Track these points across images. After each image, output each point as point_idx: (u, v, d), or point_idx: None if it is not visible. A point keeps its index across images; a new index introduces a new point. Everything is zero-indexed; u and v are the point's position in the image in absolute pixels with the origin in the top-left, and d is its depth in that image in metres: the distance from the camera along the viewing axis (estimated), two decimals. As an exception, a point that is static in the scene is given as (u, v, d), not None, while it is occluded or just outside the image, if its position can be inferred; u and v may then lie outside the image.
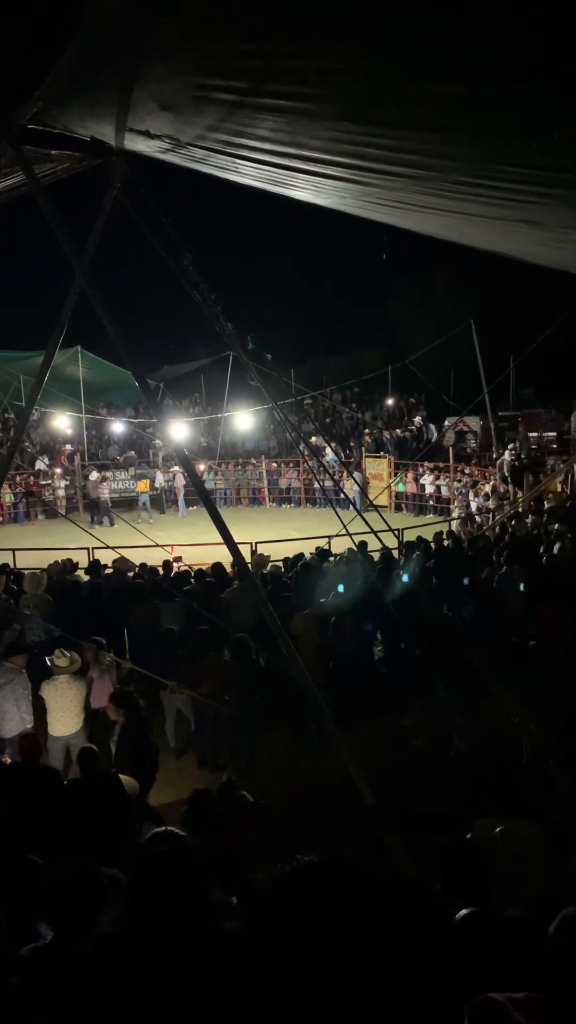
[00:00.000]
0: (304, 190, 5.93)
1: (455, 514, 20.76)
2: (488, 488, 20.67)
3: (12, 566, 12.99)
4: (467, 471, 23.11)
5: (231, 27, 3.31)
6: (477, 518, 19.37)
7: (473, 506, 20.68)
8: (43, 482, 24.74)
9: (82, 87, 4.70)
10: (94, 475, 23.68)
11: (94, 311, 5.95)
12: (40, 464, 25.37)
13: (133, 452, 27.22)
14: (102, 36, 3.75)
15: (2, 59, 4.71)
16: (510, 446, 22.33)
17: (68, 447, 26.41)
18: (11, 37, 4.44)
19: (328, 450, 24.54)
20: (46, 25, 4.06)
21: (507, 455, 21.36)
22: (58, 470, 24.92)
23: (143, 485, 23.87)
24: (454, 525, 18.17)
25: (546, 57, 2.89)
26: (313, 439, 25.09)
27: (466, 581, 11.37)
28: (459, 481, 22.61)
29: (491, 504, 19.72)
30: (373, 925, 1.00)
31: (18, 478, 23.92)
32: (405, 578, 10.79)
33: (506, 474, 20.51)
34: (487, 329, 23.38)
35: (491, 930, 2.51)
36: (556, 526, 13.96)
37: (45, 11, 4.02)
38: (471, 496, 21.36)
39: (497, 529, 15.77)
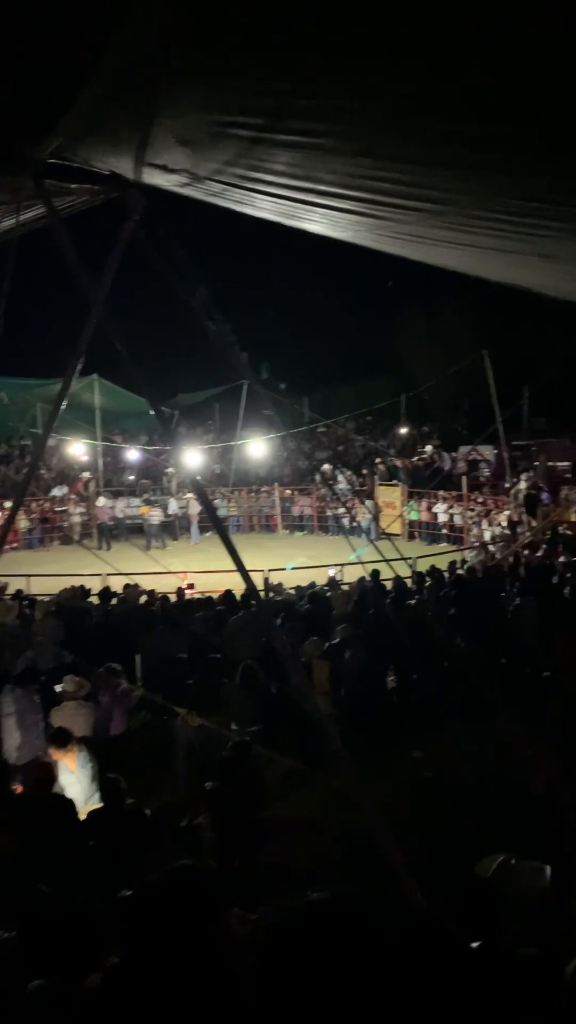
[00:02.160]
0: (319, 223, 6.01)
1: (468, 543, 20.70)
2: (503, 518, 20.63)
3: (26, 592, 13.04)
4: (480, 500, 23.08)
5: (246, 67, 3.39)
6: (491, 547, 19.30)
7: (487, 535, 20.62)
8: (59, 508, 24.90)
9: (102, 122, 4.80)
10: (101, 501, 23.91)
11: (110, 340, 6.04)
12: (57, 491, 25.55)
13: (146, 480, 27.37)
14: (121, 73, 3.84)
15: (24, 96, 4.84)
16: (523, 476, 22.30)
17: (85, 474, 26.59)
18: (32, 74, 4.55)
19: (341, 478, 24.59)
20: (66, 62, 4.16)
21: (522, 484, 21.34)
22: (73, 497, 25.10)
23: (149, 510, 24.02)
24: (469, 555, 18.09)
25: (555, 96, 2.94)
26: (325, 467, 25.16)
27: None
28: (472, 510, 22.57)
29: (506, 532, 19.66)
30: (386, 966, 0.98)
31: (34, 505, 24.07)
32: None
33: (521, 503, 20.48)
34: (498, 358, 23.46)
35: (506, 969, 2.47)
36: (570, 557, 13.90)
37: (65, 49, 4.12)
38: (484, 525, 21.31)
39: (511, 559, 15.71)
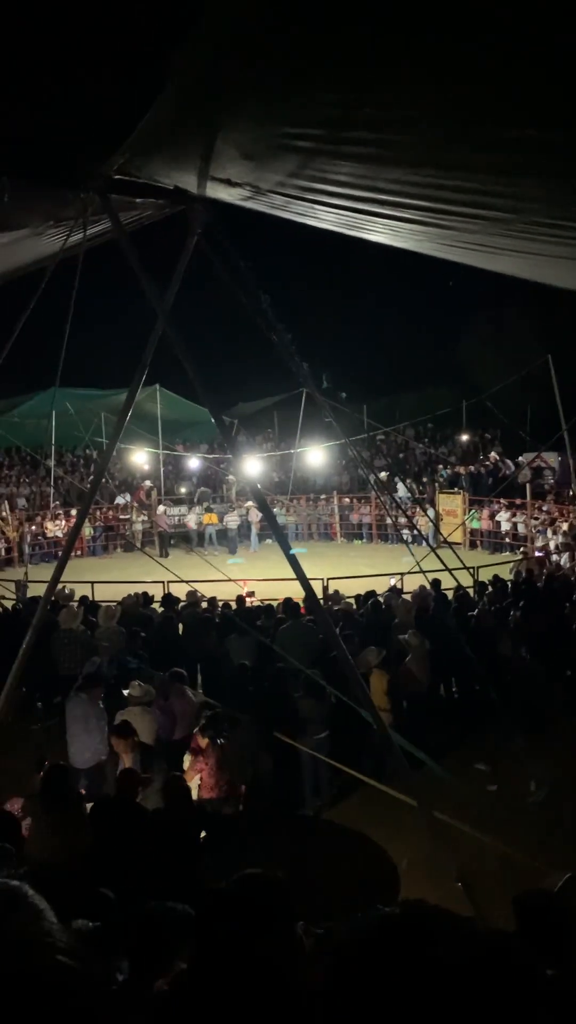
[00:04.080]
0: (380, 233, 6.01)
1: (531, 551, 20.30)
2: (567, 526, 20.20)
3: (91, 598, 13.27)
4: (544, 508, 22.65)
5: (310, 80, 3.42)
6: (554, 556, 18.91)
7: (551, 544, 20.22)
8: (122, 516, 25.33)
9: (166, 139, 4.90)
10: (161, 508, 24.30)
11: (173, 350, 6.14)
12: (120, 500, 26.03)
13: (205, 488, 27.64)
14: (186, 91, 3.91)
15: (91, 115, 4.97)
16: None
17: (147, 483, 27.00)
18: (100, 95, 4.67)
19: (400, 486, 24.41)
20: (133, 83, 4.26)
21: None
22: (135, 504, 25.54)
23: (211, 518, 24.26)
24: (522, 563, 17.72)
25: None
26: (383, 474, 25.02)
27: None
28: (536, 518, 22.16)
29: (570, 541, 19.24)
30: (460, 986, 0.97)
31: (98, 513, 24.54)
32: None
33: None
34: (564, 363, 22.99)
35: None
36: None
37: (131, 67, 4.23)
38: (549, 534, 20.89)
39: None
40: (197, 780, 6.99)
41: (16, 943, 1.15)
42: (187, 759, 7.16)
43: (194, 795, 6.98)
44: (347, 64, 3.19)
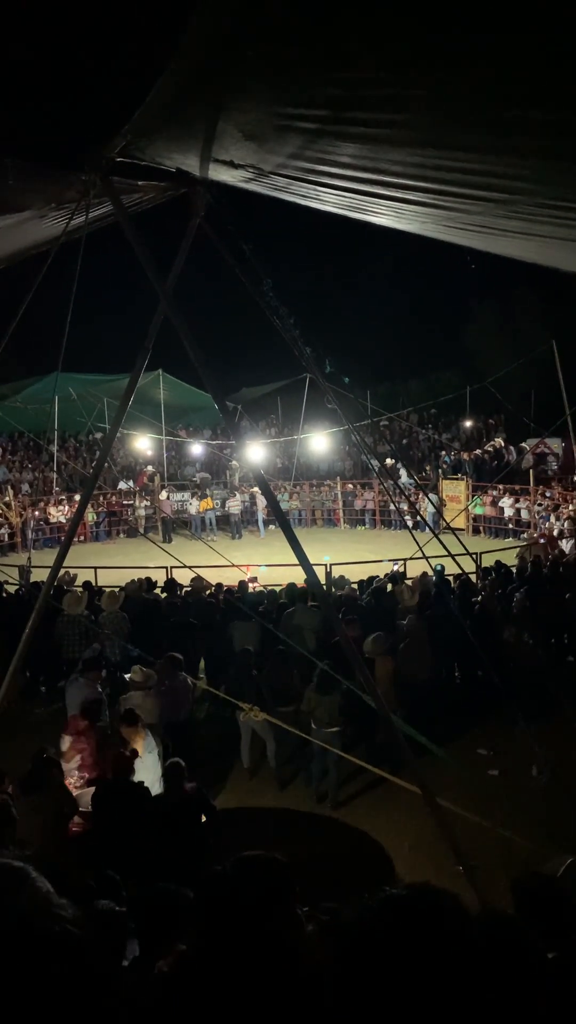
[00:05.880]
0: (384, 216, 5.95)
1: (539, 536, 20.26)
2: (571, 508, 20.18)
3: (94, 583, 13.30)
4: (548, 494, 22.61)
5: (312, 59, 3.37)
6: (560, 542, 18.88)
7: (555, 530, 20.20)
8: (125, 502, 25.35)
9: (169, 121, 4.84)
10: (163, 494, 24.32)
11: (175, 335, 6.10)
12: (123, 485, 26.03)
13: (207, 474, 27.61)
14: (189, 71, 3.86)
15: (93, 98, 4.93)
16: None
17: (150, 468, 26.99)
18: (102, 76, 4.63)
19: (403, 472, 24.36)
20: (135, 64, 4.22)
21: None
22: (138, 490, 25.55)
23: (207, 503, 24.29)
24: (524, 549, 17.68)
25: None
26: (388, 460, 24.97)
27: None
28: (540, 504, 22.13)
29: (574, 527, 19.21)
30: (468, 963, 0.96)
31: (101, 498, 24.55)
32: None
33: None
34: (569, 348, 22.88)
35: None
36: None
37: (133, 49, 4.18)
38: (552, 520, 20.88)
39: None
40: (77, 760, 6.99)
41: (23, 912, 1.16)
42: (65, 740, 7.08)
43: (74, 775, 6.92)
44: (352, 44, 3.14)
